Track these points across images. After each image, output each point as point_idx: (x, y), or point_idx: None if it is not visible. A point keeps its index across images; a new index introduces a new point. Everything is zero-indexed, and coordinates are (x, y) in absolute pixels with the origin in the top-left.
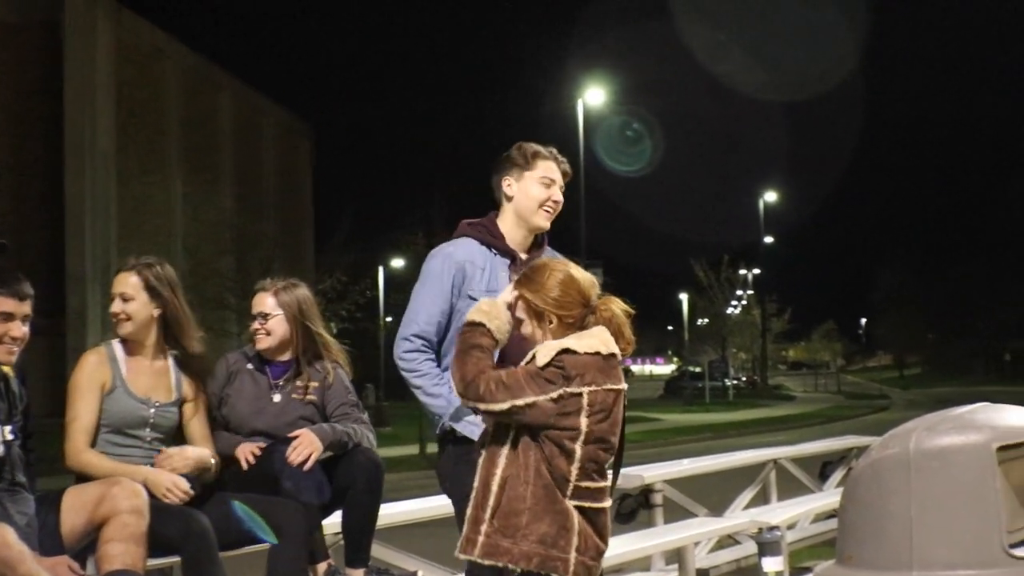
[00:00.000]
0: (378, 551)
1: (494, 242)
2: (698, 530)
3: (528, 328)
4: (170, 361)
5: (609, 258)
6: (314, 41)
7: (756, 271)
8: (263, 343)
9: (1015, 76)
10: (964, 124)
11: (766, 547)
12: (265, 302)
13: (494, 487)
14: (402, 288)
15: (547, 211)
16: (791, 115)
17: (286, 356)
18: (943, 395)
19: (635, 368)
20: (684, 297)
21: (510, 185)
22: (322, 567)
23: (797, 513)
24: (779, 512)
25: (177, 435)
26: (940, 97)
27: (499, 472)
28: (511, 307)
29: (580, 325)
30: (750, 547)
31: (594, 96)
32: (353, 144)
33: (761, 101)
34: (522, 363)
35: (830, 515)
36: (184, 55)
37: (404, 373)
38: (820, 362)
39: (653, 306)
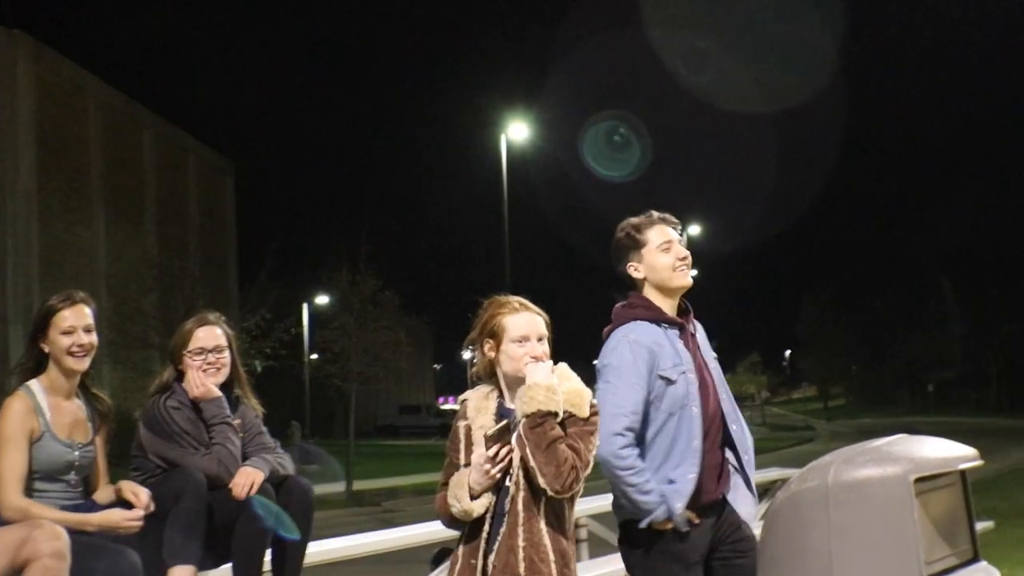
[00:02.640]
0: None
1: (660, 317)
2: (623, 564)
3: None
4: (81, 398)
5: (534, 290)
6: (236, 78)
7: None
8: (216, 378)
9: (934, 111)
10: (880, 159)
11: None
12: (217, 334)
13: (551, 556)
14: (326, 324)
15: (682, 269)
16: (714, 151)
17: (215, 393)
18: (867, 426)
19: None
20: None
21: (637, 269)
22: None
23: None
24: None
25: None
26: (855, 134)
27: (547, 543)
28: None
29: None
30: None
31: (517, 131)
32: (276, 181)
33: (686, 137)
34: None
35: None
36: (106, 93)
37: (619, 471)
38: (745, 394)
39: (579, 338)
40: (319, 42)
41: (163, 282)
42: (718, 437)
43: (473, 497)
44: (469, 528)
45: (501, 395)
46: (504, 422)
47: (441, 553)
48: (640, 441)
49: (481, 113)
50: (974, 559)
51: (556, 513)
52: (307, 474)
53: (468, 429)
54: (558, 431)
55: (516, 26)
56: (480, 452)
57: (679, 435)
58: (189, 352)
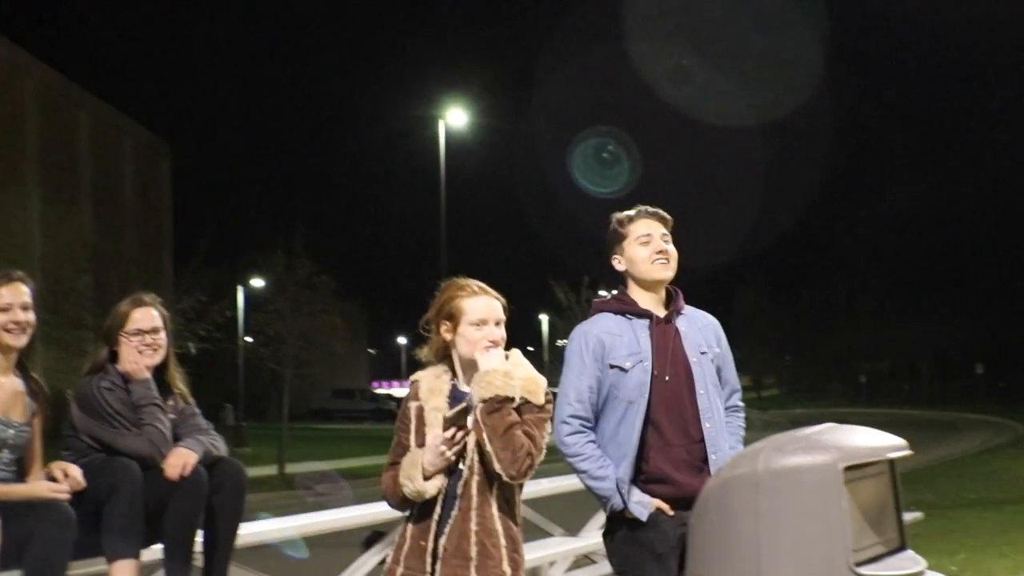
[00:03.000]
0: (232, 571)
1: (627, 308)
2: (554, 550)
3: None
4: (19, 378)
5: (470, 277)
6: (173, 59)
7: (615, 292)
8: (152, 359)
9: (870, 104)
10: (814, 150)
11: None
12: (154, 315)
13: (503, 541)
14: (261, 308)
15: (659, 263)
16: (657, 139)
17: (144, 375)
18: (799, 416)
19: None
20: (544, 318)
21: (619, 261)
22: None
23: None
24: (595, 537)
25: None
26: (790, 124)
27: (499, 527)
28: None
29: None
30: (606, 567)
31: (456, 117)
32: (213, 163)
33: (634, 125)
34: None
35: None
36: (42, 72)
37: (568, 458)
38: None
39: (513, 327)
40: (261, 25)
41: (97, 263)
42: (691, 431)
43: (426, 478)
44: (418, 510)
45: (454, 377)
46: (463, 404)
47: (373, 536)
48: (603, 430)
49: (422, 100)
50: (901, 548)
51: (507, 498)
52: (239, 456)
53: (420, 410)
54: (515, 417)
55: (448, 17)
56: (436, 433)
57: (637, 424)
58: (126, 332)
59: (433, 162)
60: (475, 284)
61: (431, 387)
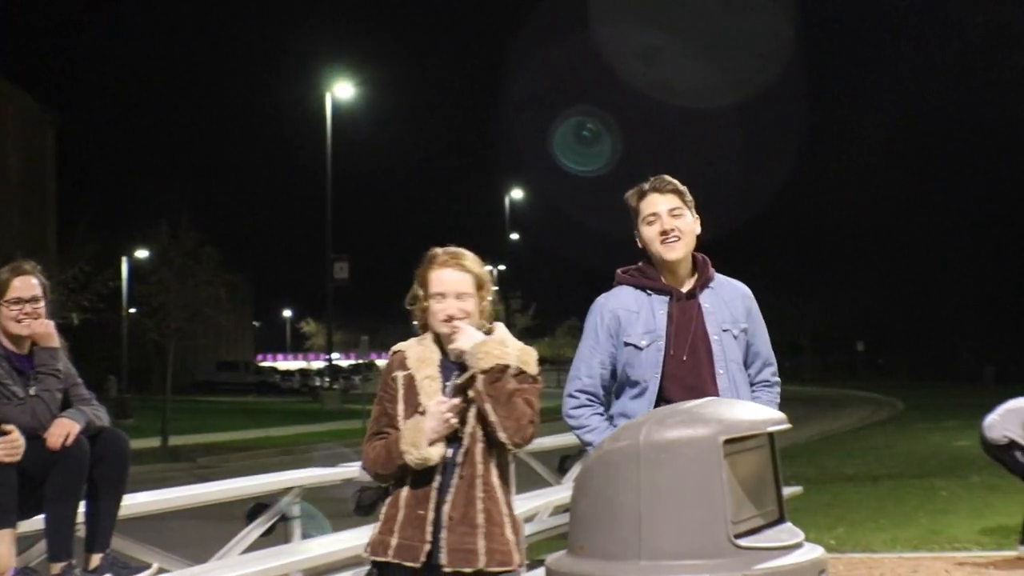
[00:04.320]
0: (115, 542)
1: (648, 283)
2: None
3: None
4: None
5: (355, 251)
6: (59, 26)
7: (501, 267)
8: (34, 328)
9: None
10: (707, 116)
11: None
12: (34, 284)
13: (504, 509)
14: (145, 279)
15: (669, 242)
16: (533, 115)
17: (55, 343)
18: None
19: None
20: None
21: (638, 237)
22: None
23: (536, 506)
24: (518, 505)
25: None
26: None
27: (500, 495)
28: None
29: None
30: None
31: (343, 90)
32: (99, 133)
33: (511, 103)
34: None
35: (568, 508)
36: None
37: (575, 431)
38: (564, 358)
39: (399, 298)
40: None
41: None
42: None
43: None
44: (412, 479)
45: (439, 346)
46: (470, 372)
47: (256, 508)
48: (616, 404)
49: (312, 72)
50: (780, 520)
51: (502, 466)
52: (123, 428)
53: (410, 379)
54: (514, 384)
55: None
56: (441, 399)
57: (649, 403)
58: (6, 301)
59: (321, 135)
60: (444, 253)
61: (420, 356)
